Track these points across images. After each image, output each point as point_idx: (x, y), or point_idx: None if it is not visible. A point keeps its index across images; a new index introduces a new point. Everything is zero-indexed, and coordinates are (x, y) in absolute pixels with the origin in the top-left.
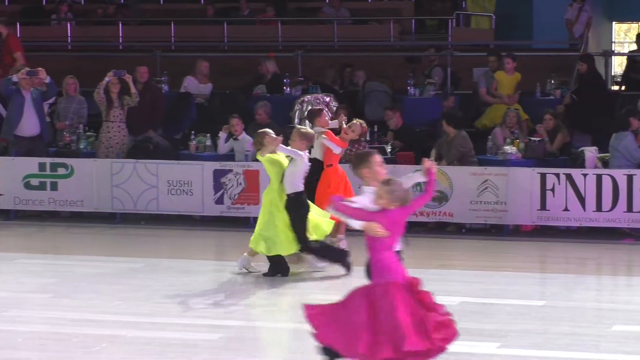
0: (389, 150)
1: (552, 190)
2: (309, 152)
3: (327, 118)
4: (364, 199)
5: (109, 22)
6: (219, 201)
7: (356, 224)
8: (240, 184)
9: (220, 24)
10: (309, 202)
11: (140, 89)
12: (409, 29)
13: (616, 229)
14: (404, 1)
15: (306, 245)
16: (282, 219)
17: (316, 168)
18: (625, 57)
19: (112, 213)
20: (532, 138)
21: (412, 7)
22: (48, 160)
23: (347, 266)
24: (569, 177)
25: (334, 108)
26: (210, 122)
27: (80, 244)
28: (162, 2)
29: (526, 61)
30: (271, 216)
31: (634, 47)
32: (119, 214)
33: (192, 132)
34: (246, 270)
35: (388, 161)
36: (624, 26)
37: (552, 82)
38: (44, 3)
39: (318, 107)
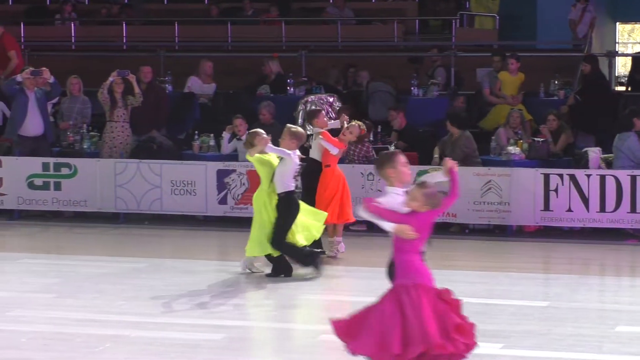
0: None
1: (556, 190)
2: (308, 153)
3: (325, 118)
4: (390, 200)
5: (112, 22)
6: (223, 201)
7: (387, 226)
8: (244, 184)
9: (224, 24)
10: (301, 202)
11: (144, 89)
12: (412, 29)
13: (620, 230)
14: (407, 1)
15: (280, 246)
16: (270, 219)
17: (315, 168)
18: (629, 57)
19: (115, 213)
20: (535, 138)
21: (415, 7)
22: (52, 160)
23: (318, 268)
24: (572, 177)
25: (338, 108)
26: (214, 122)
27: (84, 244)
28: (165, 2)
29: (530, 61)
30: (260, 216)
31: (638, 47)
32: (122, 214)
33: (196, 132)
34: (249, 271)
35: None
36: (628, 27)
37: (556, 82)
38: (47, 3)
39: (317, 108)
